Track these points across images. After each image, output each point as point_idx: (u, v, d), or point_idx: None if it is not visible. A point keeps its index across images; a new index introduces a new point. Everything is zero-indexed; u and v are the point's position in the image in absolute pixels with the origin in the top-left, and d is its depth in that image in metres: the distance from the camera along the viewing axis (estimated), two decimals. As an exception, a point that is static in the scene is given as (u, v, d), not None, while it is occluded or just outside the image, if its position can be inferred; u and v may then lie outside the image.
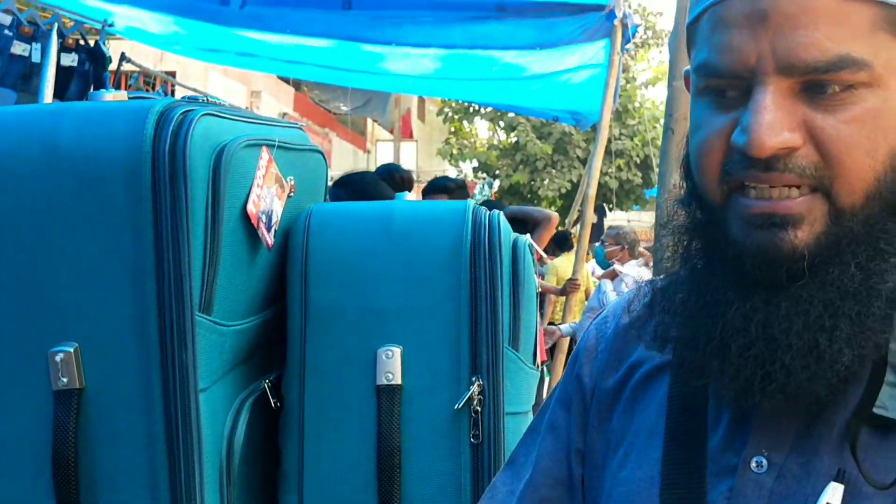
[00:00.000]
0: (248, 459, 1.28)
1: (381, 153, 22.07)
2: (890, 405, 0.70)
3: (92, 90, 5.37)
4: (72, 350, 1.16)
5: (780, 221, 0.69)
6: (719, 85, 0.72)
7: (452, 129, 23.05)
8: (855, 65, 0.67)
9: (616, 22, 4.43)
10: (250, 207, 1.26)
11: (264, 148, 1.31)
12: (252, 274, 1.31)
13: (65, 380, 1.16)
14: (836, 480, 0.70)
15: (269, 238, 1.32)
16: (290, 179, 1.42)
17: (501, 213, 1.43)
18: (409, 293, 1.36)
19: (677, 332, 0.77)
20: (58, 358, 1.16)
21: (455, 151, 20.55)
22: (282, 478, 1.37)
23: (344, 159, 17.30)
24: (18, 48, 4.86)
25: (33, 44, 4.87)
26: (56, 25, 4.67)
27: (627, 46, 5.02)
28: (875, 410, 0.70)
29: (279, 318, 1.41)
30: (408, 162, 21.43)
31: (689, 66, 0.81)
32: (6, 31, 4.80)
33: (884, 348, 0.71)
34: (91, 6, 5.02)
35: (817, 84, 0.68)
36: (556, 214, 4.90)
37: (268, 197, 1.32)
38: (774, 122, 0.68)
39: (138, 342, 1.16)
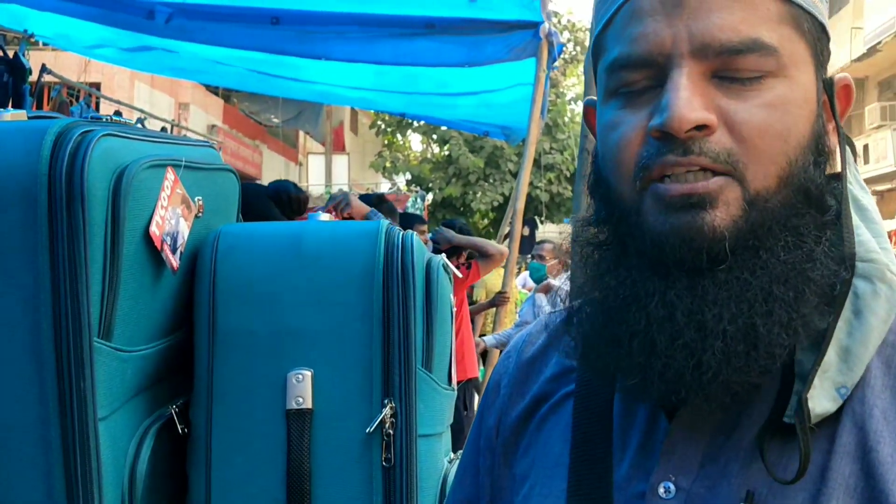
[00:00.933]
0: (152, 489, 1.25)
1: (313, 166, 21.91)
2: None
3: (10, 103, 5.21)
4: (-38, 379, 1.11)
5: (698, 202, 0.68)
6: (633, 79, 0.72)
7: (385, 142, 23.04)
8: (765, 48, 0.69)
9: (542, 41, 4.47)
10: (153, 229, 1.23)
11: (169, 168, 1.28)
12: (156, 297, 1.28)
13: (-45, 410, 1.11)
14: (744, 502, 0.69)
15: (174, 260, 1.29)
16: (199, 200, 1.39)
17: (414, 233, 1.43)
18: (321, 315, 1.34)
19: (596, 334, 0.75)
20: (-53, 388, 1.11)
21: (388, 164, 20.53)
22: (188, 507, 1.34)
23: (275, 172, 17.11)
24: (-67, 59, 4.69)
25: (-54, 54, 4.71)
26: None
27: (555, 64, 5.08)
28: (785, 419, 0.69)
29: (187, 341, 1.37)
30: (340, 174, 21.34)
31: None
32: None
33: (786, 357, 0.70)
34: (12, 14, 4.87)
35: (730, 69, 0.69)
36: (507, 250, 4.86)
37: (173, 218, 1.29)
38: (692, 98, 0.68)
39: (35, 369, 1.12)
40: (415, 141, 24.69)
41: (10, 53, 5.07)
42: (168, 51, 5.81)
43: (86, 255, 1.11)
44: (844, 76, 0.78)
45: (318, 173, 21.31)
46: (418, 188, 18.67)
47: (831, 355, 0.70)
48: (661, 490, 0.73)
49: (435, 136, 20.61)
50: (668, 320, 0.68)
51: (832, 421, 0.70)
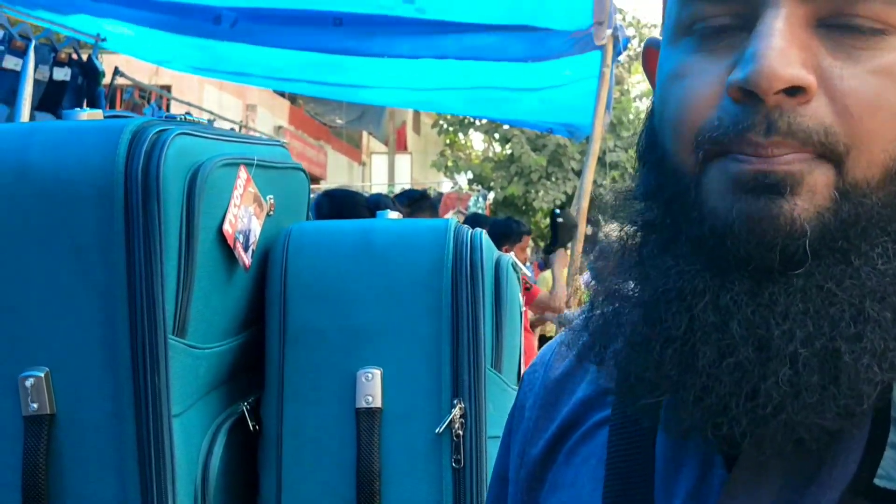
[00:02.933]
0: (224, 487, 1.26)
1: (376, 165, 22.09)
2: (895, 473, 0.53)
3: (85, 105, 5.37)
4: (42, 375, 1.13)
5: (777, 183, 0.52)
6: (714, 14, 0.56)
7: (447, 142, 23.08)
8: None
9: (606, 34, 4.42)
10: (226, 227, 1.24)
11: (242, 167, 1.29)
12: (229, 295, 1.29)
13: (35, 405, 1.14)
14: None
15: (247, 258, 1.30)
16: (270, 198, 1.39)
17: (484, 231, 1.41)
18: (390, 314, 1.33)
19: (621, 331, 0.59)
20: (28, 383, 1.13)
21: (450, 163, 20.56)
22: (259, 505, 1.35)
23: (339, 172, 17.31)
24: (10, 62, 4.84)
25: (25, 58, 4.86)
26: (33, 41, 4.64)
27: (620, 58, 5.02)
28: (877, 482, 0.53)
29: (258, 339, 1.38)
30: (403, 174, 21.46)
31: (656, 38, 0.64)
32: (-2, 46, 4.78)
33: (881, 399, 0.54)
34: (83, 22, 5.01)
35: (842, 17, 0.54)
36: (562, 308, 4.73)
37: (245, 217, 1.29)
38: (788, 48, 0.52)
39: (110, 366, 1.14)
40: (476, 140, 24.68)
41: (84, 56, 5.21)
42: (234, 73, 5.92)
43: (161, 253, 1.12)
44: None
45: (381, 173, 21.48)
46: (480, 187, 18.66)
47: None
48: None
49: (497, 135, 20.56)
50: (719, 330, 0.53)
51: None
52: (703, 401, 0.53)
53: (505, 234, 5.15)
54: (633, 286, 0.59)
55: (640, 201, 0.62)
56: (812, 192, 0.53)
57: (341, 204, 2.71)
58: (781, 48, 0.52)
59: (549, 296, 4.88)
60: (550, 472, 0.70)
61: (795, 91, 0.52)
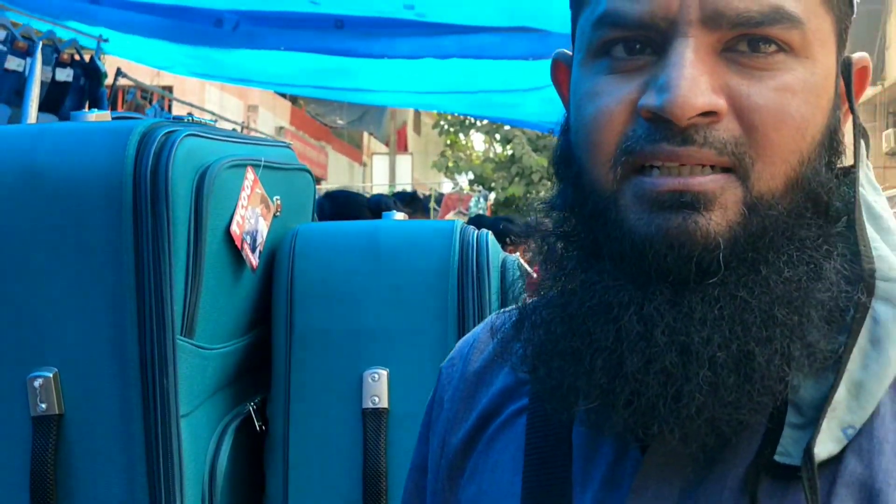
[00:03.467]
0: (231, 486, 1.26)
1: (378, 166, 22.10)
2: (794, 451, 0.58)
3: (87, 106, 5.37)
4: (51, 375, 1.14)
5: (692, 201, 0.57)
6: (625, 38, 0.60)
7: (448, 142, 23.09)
8: (789, 20, 0.58)
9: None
10: (234, 228, 1.24)
11: (249, 168, 1.30)
12: (236, 296, 1.29)
13: (43, 405, 1.14)
14: None
15: (254, 259, 1.30)
16: (277, 199, 1.40)
17: (489, 232, 1.41)
18: (396, 315, 1.34)
19: (553, 346, 0.62)
20: (36, 383, 1.14)
21: (451, 164, 20.57)
22: (266, 505, 1.35)
23: (340, 172, 17.32)
24: (12, 63, 4.85)
25: (28, 59, 4.86)
26: (39, 42, 4.65)
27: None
28: (777, 458, 0.58)
29: (265, 340, 1.39)
30: (404, 175, 21.47)
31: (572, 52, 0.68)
32: (0, 46, 4.78)
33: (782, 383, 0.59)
34: (85, 27, 5.02)
35: (746, 40, 0.58)
36: None
37: (252, 218, 1.30)
38: (699, 78, 0.56)
39: (118, 367, 1.14)
40: (477, 140, 24.69)
41: (87, 57, 5.21)
42: (235, 79, 5.93)
43: (170, 254, 1.12)
44: (863, 55, 0.67)
45: (381, 174, 21.49)
46: (481, 188, 18.66)
47: (841, 391, 0.58)
48: None
49: (498, 136, 20.58)
50: (645, 339, 0.57)
51: (833, 458, 0.59)
52: (633, 405, 0.57)
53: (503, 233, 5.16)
54: (559, 298, 0.63)
55: (559, 212, 0.66)
56: (724, 209, 0.57)
57: (343, 205, 2.72)
58: (692, 77, 0.56)
59: None
60: (471, 460, 0.73)
61: (708, 114, 0.57)
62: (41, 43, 4.63)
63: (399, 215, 1.52)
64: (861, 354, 0.60)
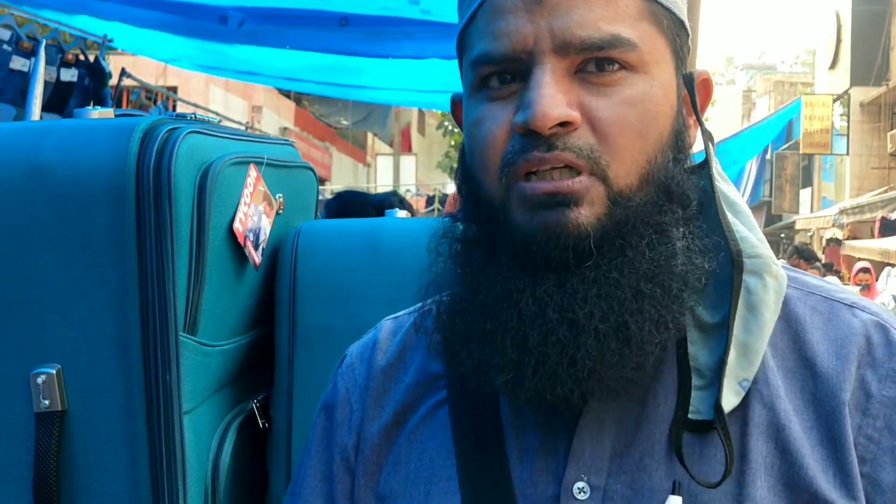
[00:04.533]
0: (234, 483, 1.26)
1: (381, 167, 22.09)
2: (702, 408, 0.71)
3: (92, 105, 5.37)
4: (54, 372, 1.14)
5: (563, 200, 0.69)
6: (497, 72, 0.73)
7: (452, 143, 23.07)
8: (626, 44, 0.71)
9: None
10: (237, 226, 1.24)
11: (252, 165, 1.30)
12: (239, 293, 1.30)
13: (46, 402, 1.14)
14: (673, 493, 0.69)
15: (257, 257, 1.31)
16: (280, 197, 1.40)
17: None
18: (398, 312, 1.33)
19: (468, 330, 0.73)
20: (39, 380, 1.14)
21: (455, 165, 20.56)
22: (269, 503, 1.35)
23: (344, 173, 17.32)
24: (17, 63, 4.86)
25: (32, 59, 4.87)
26: (42, 41, 4.66)
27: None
28: (691, 416, 0.71)
29: (268, 337, 1.39)
30: (408, 175, 21.46)
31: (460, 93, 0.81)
32: (5, 47, 4.80)
33: (684, 348, 0.72)
34: (90, 23, 5.02)
35: (593, 62, 0.71)
36: None
37: (255, 215, 1.30)
38: (555, 94, 0.69)
39: (122, 363, 1.14)
40: (482, 141, 24.65)
41: (91, 58, 5.22)
42: (241, 72, 5.93)
43: (172, 251, 1.13)
44: (703, 70, 0.79)
45: (385, 174, 21.48)
46: (485, 188, 18.62)
47: (732, 353, 0.71)
48: (576, 491, 0.72)
49: (502, 137, 20.56)
50: (540, 317, 0.69)
51: (740, 405, 0.71)
52: (539, 372, 0.69)
53: None
54: (470, 291, 0.74)
55: (463, 222, 0.79)
56: (592, 204, 0.70)
57: (348, 203, 2.72)
58: (549, 95, 0.69)
59: None
60: (391, 454, 0.81)
61: (565, 125, 0.69)
62: (44, 42, 4.63)
63: (401, 213, 1.52)
64: (742, 321, 0.72)
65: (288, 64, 5.56)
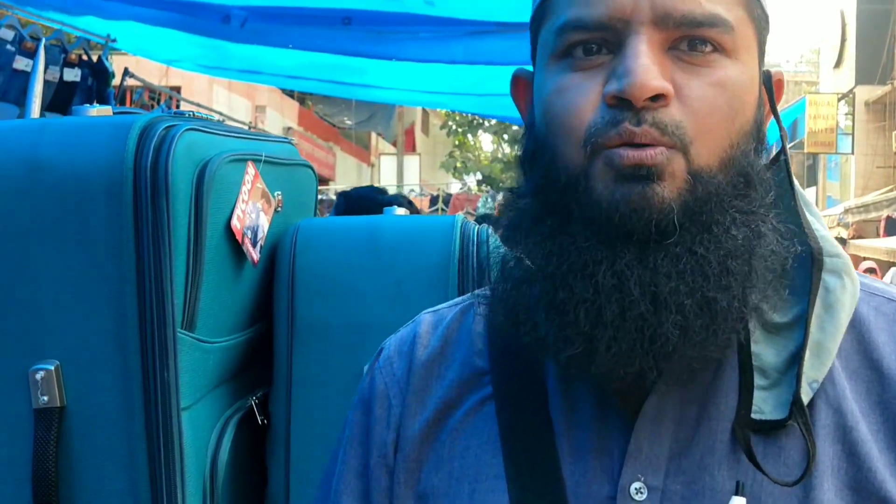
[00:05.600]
0: (233, 480, 1.26)
1: (385, 167, 22.11)
2: (766, 408, 0.69)
3: (100, 105, 5.37)
4: (52, 368, 1.14)
5: (647, 173, 0.67)
6: (585, 40, 0.70)
7: (456, 143, 23.08)
8: (724, 25, 0.69)
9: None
10: (234, 223, 1.24)
11: (250, 163, 1.30)
12: (237, 290, 1.30)
13: (45, 398, 1.14)
14: (736, 494, 0.67)
15: (255, 254, 1.31)
16: (278, 194, 1.40)
17: (490, 227, 1.42)
18: (397, 309, 1.34)
19: (536, 300, 0.70)
20: (38, 376, 1.14)
21: (459, 164, 20.58)
22: (268, 500, 1.35)
23: (348, 173, 17.33)
24: (21, 63, 4.87)
25: (35, 57, 4.88)
26: (43, 40, 4.67)
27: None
28: (754, 416, 0.69)
29: (266, 334, 1.39)
30: (412, 175, 21.48)
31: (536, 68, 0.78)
32: (8, 47, 4.81)
33: (747, 348, 0.70)
34: (93, 23, 5.03)
35: (688, 40, 0.69)
36: None
37: (253, 212, 1.30)
38: (652, 65, 0.67)
39: (120, 359, 1.15)
40: (486, 141, 24.69)
41: (94, 57, 5.23)
42: (244, 71, 5.93)
43: (170, 248, 1.13)
44: (778, 70, 0.78)
45: (389, 174, 21.50)
46: (489, 188, 18.65)
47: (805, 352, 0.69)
48: (633, 491, 0.69)
49: (506, 136, 20.57)
50: (618, 290, 0.66)
51: (808, 407, 0.69)
52: (612, 348, 0.66)
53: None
54: (539, 261, 0.70)
55: (528, 198, 0.75)
56: (672, 177, 0.67)
57: (356, 201, 2.71)
58: (647, 65, 0.67)
59: None
60: (433, 451, 0.78)
61: (657, 98, 0.67)
62: (43, 40, 4.64)
63: (400, 211, 1.53)
64: (818, 319, 0.71)
65: (292, 62, 5.57)
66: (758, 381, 0.70)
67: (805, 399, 0.68)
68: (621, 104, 0.67)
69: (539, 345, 0.71)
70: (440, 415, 0.79)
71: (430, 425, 0.79)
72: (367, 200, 2.92)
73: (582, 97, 0.70)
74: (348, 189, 3.03)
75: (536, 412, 0.74)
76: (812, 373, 0.69)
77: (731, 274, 0.67)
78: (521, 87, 0.82)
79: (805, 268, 0.72)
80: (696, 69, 0.69)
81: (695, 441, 0.70)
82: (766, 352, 0.71)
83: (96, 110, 1.25)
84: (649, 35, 0.68)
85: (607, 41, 0.69)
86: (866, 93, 19.99)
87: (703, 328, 0.66)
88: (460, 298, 0.87)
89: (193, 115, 1.33)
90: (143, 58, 6.10)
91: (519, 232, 0.74)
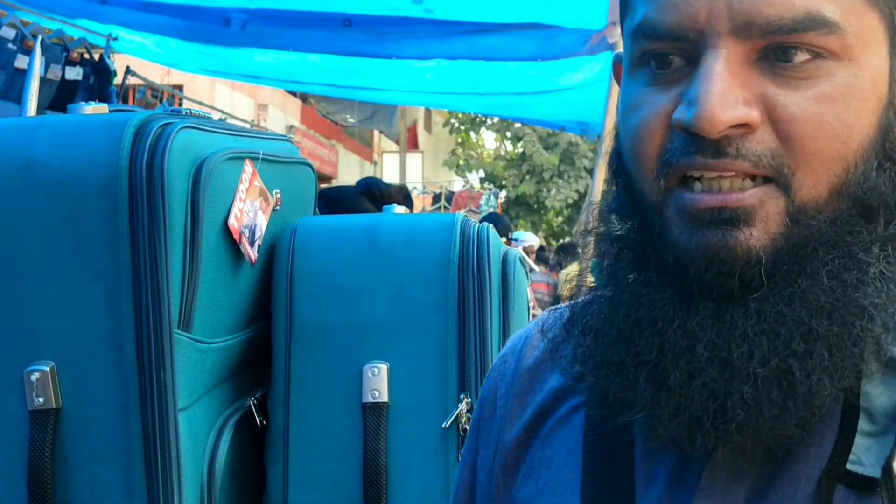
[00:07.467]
0: (231, 481, 1.25)
1: (388, 164, 22.11)
2: (866, 459, 0.57)
3: (96, 103, 5.37)
4: (48, 369, 1.13)
5: (731, 217, 0.57)
6: (660, 51, 0.59)
7: (459, 140, 23.07)
8: (826, 26, 0.56)
9: (618, 32, 4.40)
10: (232, 222, 1.23)
11: (248, 161, 1.29)
12: (235, 290, 1.29)
13: (41, 399, 1.14)
14: None
15: (252, 253, 1.30)
16: (276, 193, 1.39)
17: (490, 225, 1.40)
18: (396, 308, 1.33)
19: (600, 355, 0.62)
20: (33, 377, 1.13)
21: (461, 162, 20.56)
22: (266, 501, 1.34)
23: (351, 171, 17.32)
24: (23, 62, 4.86)
25: (32, 54, 4.87)
26: (40, 38, 4.65)
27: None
28: (849, 467, 0.57)
29: (265, 334, 1.38)
30: (414, 173, 21.47)
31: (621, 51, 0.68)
32: (10, 46, 4.80)
33: (854, 388, 0.58)
34: (93, 27, 5.03)
35: (780, 49, 0.57)
36: None
37: (251, 211, 1.29)
38: (728, 92, 0.56)
39: (116, 360, 1.14)
40: (488, 139, 24.68)
41: (96, 56, 5.22)
42: (245, 75, 5.93)
43: (166, 247, 1.12)
44: None
45: (392, 172, 21.49)
46: (492, 186, 18.64)
47: None
48: None
49: (509, 134, 20.55)
50: (687, 352, 0.57)
51: None
52: (677, 418, 0.57)
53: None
54: (608, 308, 0.63)
55: (616, 216, 0.66)
56: (765, 221, 0.57)
57: (335, 200, 2.64)
58: (721, 91, 0.55)
59: None
60: (527, 457, 0.72)
61: (740, 126, 0.56)
62: (40, 36, 4.63)
63: (399, 209, 1.51)
64: None
65: (293, 66, 5.56)
66: (863, 425, 0.58)
67: None
68: (693, 134, 0.57)
69: (598, 402, 0.64)
70: (537, 419, 0.73)
71: (528, 430, 0.73)
72: (346, 200, 2.83)
73: (653, 118, 0.60)
74: (324, 188, 2.95)
75: (622, 429, 0.65)
76: None
77: (817, 337, 0.56)
78: (619, 73, 0.71)
79: None
80: (795, 82, 0.57)
81: (776, 484, 0.59)
82: (878, 392, 0.58)
83: (92, 108, 1.23)
84: (729, 48, 0.56)
85: (686, 50, 0.59)
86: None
87: (778, 403, 0.56)
88: (591, 296, 0.73)
89: (191, 112, 1.32)
90: (145, 59, 6.10)
91: (601, 260, 0.67)
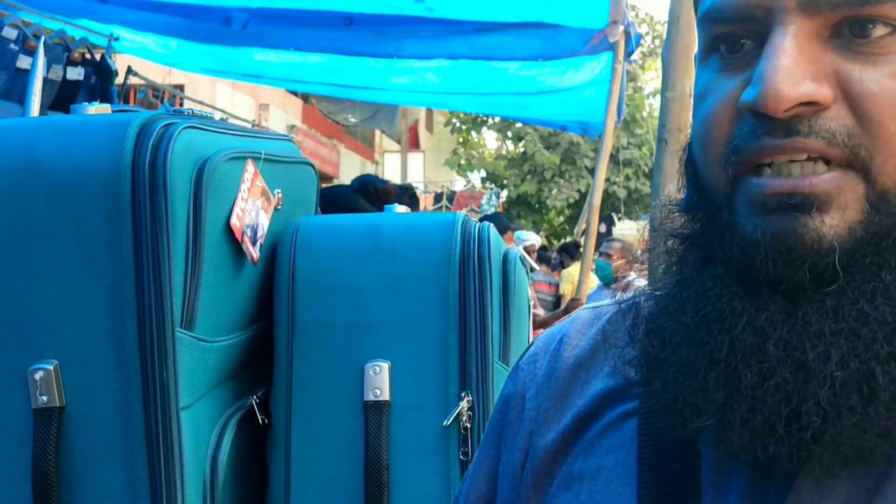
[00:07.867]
0: (233, 479, 1.26)
1: (389, 164, 22.11)
2: None
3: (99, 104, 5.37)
4: (51, 368, 1.14)
5: (802, 203, 0.52)
6: (729, 33, 0.57)
7: (460, 140, 23.07)
8: None
9: (619, 31, 4.40)
10: (234, 221, 1.24)
11: (249, 161, 1.30)
12: (237, 289, 1.29)
13: (44, 398, 1.14)
14: None
15: (255, 252, 1.30)
16: (278, 192, 1.40)
17: (491, 224, 1.41)
18: (397, 307, 1.33)
19: (669, 356, 0.58)
20: (37, 376, 1.14)
21: (463, 162, 20.56)
22: (269, 499, 1.35)
23: (352, 171, 17.32)
24: (25, 62, 4.86)
25: (35, 55, 4.88)
26: (43, 38, 4.66)
27: (633, 57, 4.99)
28: None
29: (267, 333, 1.39)
30: (416, 172, 21.47)
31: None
32: (12, 46, 4.81)
33: None
34: (93, 27, 5.04)
35: (856, 24, 0.53)
36: None
37: (253, 210, 1.30)
38: (794, 67, 0.52)
39: (118, 359, 1.14)
40: (489, 138, 24.68)
41: (97, 56, 5.23)
42: (247, 75, 5.94)
43: (168, 247, 1.12)
44: None
45: (393, 171, 21.49)
46: (493, 185, 18.64)
47: None
48: None
49: (510, 133, 20.55)
50: (758, 350, 0.53)
51: None
52: (750, 423, 0.53)
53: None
54: (675, 305, 0.59)
55: (683, 214, 0.62)
56: (843, 209, 0.52)
57: (333, 201, 2.64)
58: (786, 67, 0.52)
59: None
60: (564, 465, 0.67)
61: (811, 103, 0.52)
62: (43, 37, 4.64)
63: (401, 208, 1.52)
64: None
65: (294, 66, 5.57)
66: None
67: None
68: (761, 115, 0.53)
69: (665, 410, 0.59)
70: (579, 425, 0.67)
71: (566, 436, 0.68)
72: (343, 198, 2.83)
73: (720, 105, 0.56)
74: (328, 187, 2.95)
75: (687, 440, 0.59)
76: None
77: None
78: None
79: None
80: (872, 57, 0.53)
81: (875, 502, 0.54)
82: None
83: (95, 108, 1.24)
84: (798, 24, 0.53)
85: (755, 32, 0.55)
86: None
87: (859, 409, 0.51)
88: (629, 295, 0.70)
89: (193, 112, 1.33)
90: (146, 60, 6.10)
91: (666, 259, 0.63)
